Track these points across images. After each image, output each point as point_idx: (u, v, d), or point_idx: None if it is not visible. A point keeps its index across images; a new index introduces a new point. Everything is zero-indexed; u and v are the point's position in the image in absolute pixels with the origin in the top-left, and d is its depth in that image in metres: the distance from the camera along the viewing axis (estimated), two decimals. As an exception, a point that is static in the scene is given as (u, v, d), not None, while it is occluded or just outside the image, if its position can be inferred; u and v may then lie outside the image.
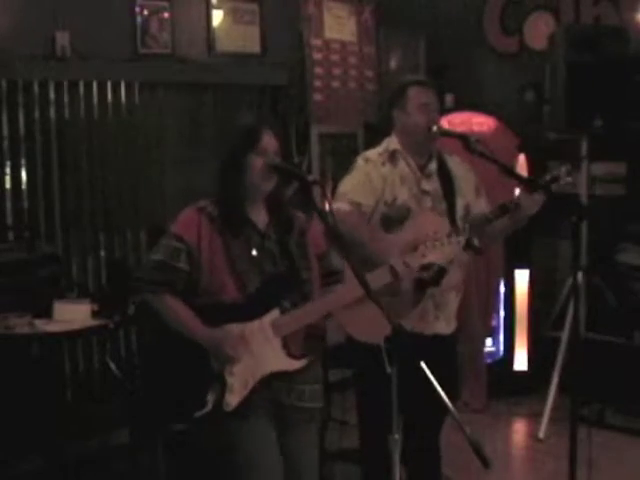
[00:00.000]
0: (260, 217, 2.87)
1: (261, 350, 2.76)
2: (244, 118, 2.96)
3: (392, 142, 3.54)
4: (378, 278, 2.83)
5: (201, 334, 2.75)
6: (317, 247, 2.96)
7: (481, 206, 3.54)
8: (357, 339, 3.39)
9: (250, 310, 2.77)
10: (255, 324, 2.77)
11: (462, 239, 2.84)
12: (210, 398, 2.72)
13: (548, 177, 3.30)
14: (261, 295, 2.78)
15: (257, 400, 2.76)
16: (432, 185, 3.49)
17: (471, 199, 3.56)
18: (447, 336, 3.57)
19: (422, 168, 3.50)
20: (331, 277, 3.00)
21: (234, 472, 2.78)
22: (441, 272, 3.31)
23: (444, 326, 3.54)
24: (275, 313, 2.78)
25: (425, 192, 3.47)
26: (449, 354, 3.67)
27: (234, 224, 2.80)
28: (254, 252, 2.80)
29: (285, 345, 2.79)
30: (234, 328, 2.76)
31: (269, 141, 2.80)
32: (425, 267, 3.21)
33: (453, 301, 3.56)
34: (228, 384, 2.73)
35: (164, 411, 2.89)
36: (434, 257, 2.83)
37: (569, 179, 3.31)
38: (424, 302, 3.38)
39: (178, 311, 2.79)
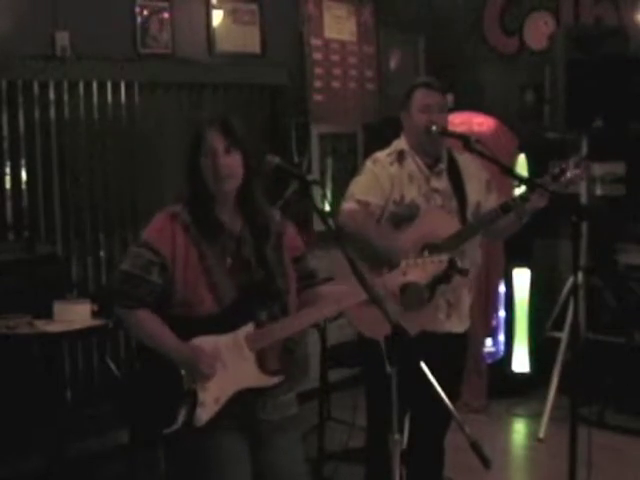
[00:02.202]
0: (234, 221, 2.72)
1: (235, 365, 2.65)
2: (197, 118, 2.81)
3: (401, 143, 3.59)
4: (356, 294, 2.66)
5: (175, 349, 2.63)
6: (294, 250, 2.83)
7: (493, 202, 3.55)
8: (366, 335, 3.40)
9: (225, 323, 2.65)
10: (229, 337, 2.65)
11: (445, 258, 2.77)
12: (181, 414, 2.61)
13: (556, 170, 3.32)
14: (237, 307, 2.66)
15: (228, 415, 2.65)
16: (442, 183, 3.53)
17: (482, 196, 3.59)
18: (460, 335, 3.60)
19: (431, 167, 3.53)
20: (308, 280, 2.88)
21: None
22: (451, 268, 3.31)
23: (457, 324, 3.56)
24: (250, 327, 2.66)
25: (435, 190, 3.50)
26: (460, 353, 3.69)
27: (208, 230, 2.67)
28: (229, 260, 2.68)
29: (260, 360, 2.68)
30: (207, 341, 2.64)
31: (212, 140, 2.64)
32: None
33: (465, 299, 3.59)
34: (200, 399, 2.62)
35: (142, 425, 2.81)
36: (415, 276, 2.75)
37: (577, 171, 3.33)
38: (436, 300, 3.40)
39: (150, 324, 2.65)
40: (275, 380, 2.71)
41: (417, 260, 2.70)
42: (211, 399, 2.63)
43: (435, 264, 2.72)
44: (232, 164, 2.66)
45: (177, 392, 2.63)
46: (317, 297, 2.83)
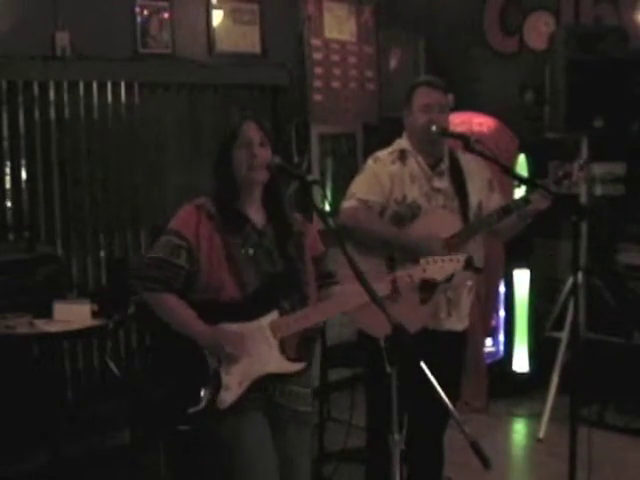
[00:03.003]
0: (258, 216, 2.85)
1: (258, 351, 2.74)
2: (233, 116, 2.95)
3: (402, 142, 3.59)
4: (377, 290, 2.69)
5: (202, 332, 2.73)
6: (314, 250, 2.95)
7: (495, 202, 3.56)
8: (368, 333, 3.40)
9: (249, 310, 2.75)
10: (253, 324, 2.75)
11: (462, 258, 2.86)
12: (205, 395, 2.71)
13: (561, 173, 3.33)
14: (260, 295, 2.76)
15: (251, 398, 2.75)
16: (443, 183, 3.53)
17: (484, 196, 3.59)
18: (459, 333, 3.61)
19: (433, 167, 3.53)
20: (326, 279, 2.99)
21: (232, 468, 2.75)
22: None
23: (456, 323, 3.58)
24: (274, 314, 2.77)
25: (436, 190, 3.51)
26: (459, 351, 3.70)
27: (231, 221, 2.79)
28: (250, 251, 2.78)
29: (282, 347, 2.77)
30: (232, 327, 2.74)
31: (249, 131, 2.79)
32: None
33: (465, 299, 3.60)
34: (224, 382, 2.71)
35: (162, 410, 2.86)
36: (434, 273, 2.84)
37: (581, 175, 3.34)
38: (436, 298, 3.40)
39: (177, 309, 2.76)
40: (299, 366, 2.81)
41: (436, 257, 2.82)
42: (235, 383, 2.72)
43: (453, 262, 2.85)
44: (265, 155, 2.80)
45: (200, 375, 2.72)
46: (332, 295, 2.93)
